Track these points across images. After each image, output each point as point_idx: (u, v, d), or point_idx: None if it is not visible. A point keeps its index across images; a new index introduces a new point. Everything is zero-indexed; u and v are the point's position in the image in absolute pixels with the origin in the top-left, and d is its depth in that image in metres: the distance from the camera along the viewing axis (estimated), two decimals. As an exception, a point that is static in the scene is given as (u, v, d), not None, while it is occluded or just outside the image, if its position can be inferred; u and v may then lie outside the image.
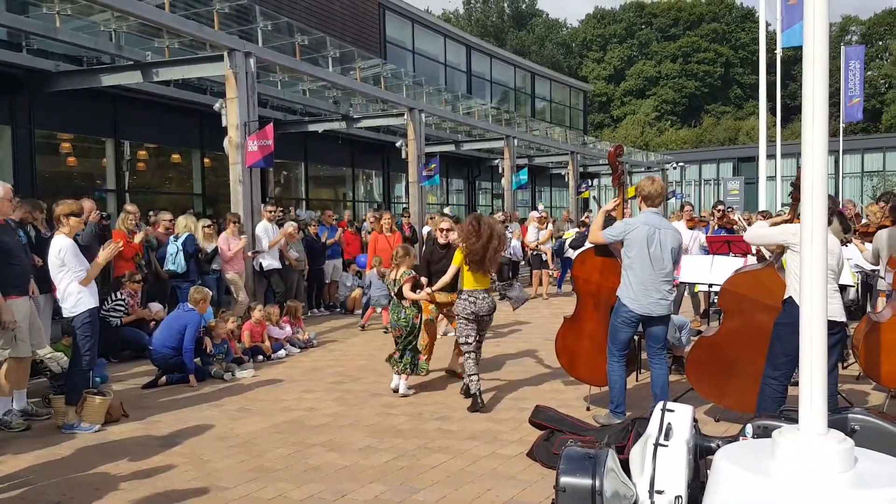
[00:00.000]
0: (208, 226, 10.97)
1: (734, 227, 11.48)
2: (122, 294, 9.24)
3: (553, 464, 4.41)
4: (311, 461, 5.33)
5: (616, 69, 66.59)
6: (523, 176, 22.06)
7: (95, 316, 6.38)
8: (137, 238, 9.89)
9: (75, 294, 6.19)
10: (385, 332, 8.76)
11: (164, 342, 7.99)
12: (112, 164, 14.75)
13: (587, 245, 6.80)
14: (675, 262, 5.96)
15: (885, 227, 6.81)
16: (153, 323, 9.39)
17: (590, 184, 33.10)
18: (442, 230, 8.17)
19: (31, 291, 6.53)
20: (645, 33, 67.15)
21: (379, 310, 11.31)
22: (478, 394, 6.65)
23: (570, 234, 14.82)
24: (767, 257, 6.23)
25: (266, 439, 5.90)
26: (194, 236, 10.31)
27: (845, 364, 7.64)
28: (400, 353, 7.30)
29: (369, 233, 14.55)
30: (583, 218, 19.82)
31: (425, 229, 15.73)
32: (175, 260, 10.11)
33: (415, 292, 7.24)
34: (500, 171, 22.80)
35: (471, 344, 6.83)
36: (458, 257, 6.91)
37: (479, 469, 5.10)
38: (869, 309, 8.40)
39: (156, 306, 9.85)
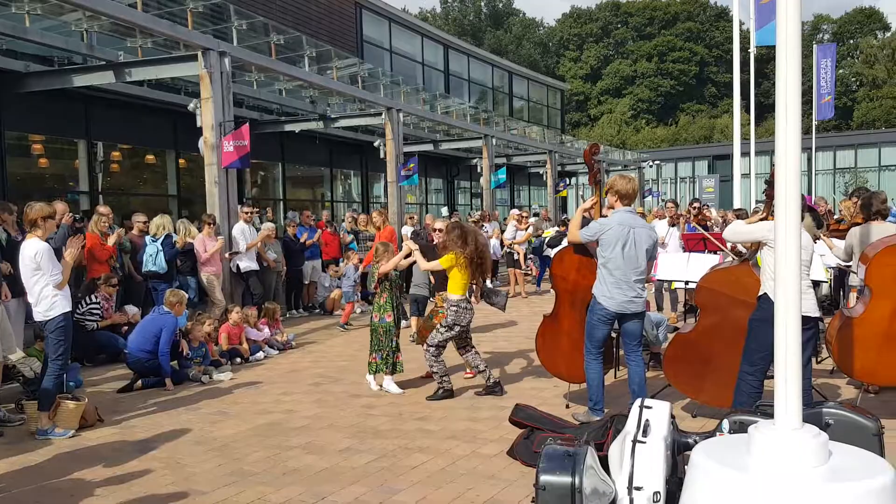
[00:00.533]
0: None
1: (708, 222, 11.60)
2: (97, 297, 9.14)
3: (533, 462, 4.42)
4: (291, 464, 5.30)
5: (593, 68, 67.02)
6: (502, 175, 22.12)
7: (69, 320, 6.28)
8: (111, 241, 9.77)
9: (49, 298, 6.09)
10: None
11: (139, 346, 7.90)
12: (85, 165, 14.55)
13: (564, 243, 6.86)
14: (651, 260, 6.00)
15: (858, 223, 6.91)
16: (126, 327, 9.28)
17: (567, 182, 33.24)
18: (436, 230, 8.30)
19: (2, 296, 6.43)
20: (621, 32, 67.63)
21: (359, 310, 11.30)
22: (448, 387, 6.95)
23: (550, 232, 14.87)
24: (743, 252, 6.29)
25: (244, 442, 5.85)
26: (171, 236, 10.23)
27: (819, 359, 7.73)
28: (385, 355, 7.36)
29: (348, 233, 14.56)
30: (563, 217, 19.91)
31: (405, 229, 15.73)
32: (156, 260, 10.02)
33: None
34: (479, 170, 22.83)
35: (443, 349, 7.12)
36: (447, 260, 7.01)
37: (459, 468, 5.10)
38: (842, 304, 8.50)
39: (132, 309, 9.76)
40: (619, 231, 5.77)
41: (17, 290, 6.40)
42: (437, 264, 7.15)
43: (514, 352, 9.25)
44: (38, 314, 6.15)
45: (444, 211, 21.45)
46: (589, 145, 6.80)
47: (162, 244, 10.05)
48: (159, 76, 13.01)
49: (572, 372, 6.52)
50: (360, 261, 11.93)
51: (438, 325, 7.15)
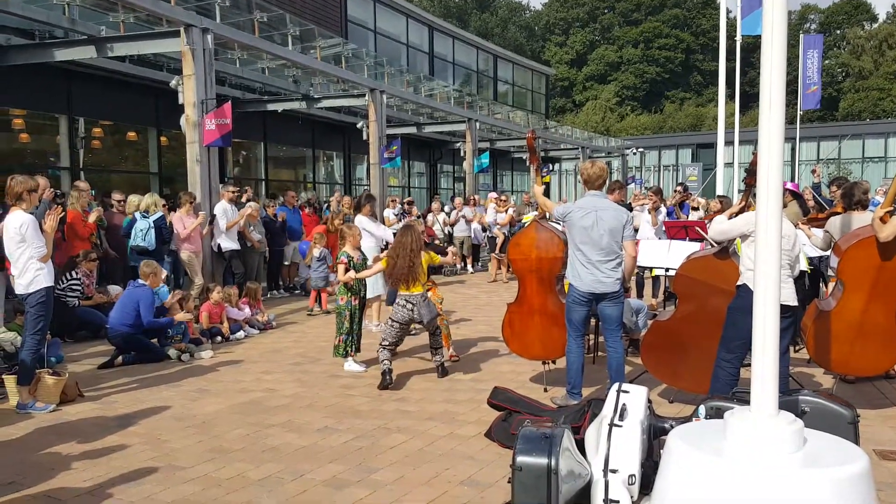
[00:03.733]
0: (163, 205, 10.84)
1: (689, 202, 11.83)
2: (77, 274, 9.09)
3: (510, 444, 4.46)
4: (270, 441, 5.32)
5: (578, 53, 66.92)
6: (485, 159, 22.10)
7: (50, 295, 6.28)
8: (92, 217, 9.73)
9: (33, 271, 6.11)
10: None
11: (120, 320, 7.92)
12: (66, 141, 14.38)
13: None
14: (624, 240, 6.00)
15: (838, 213, 6.96)
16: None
17: (551, 168, 33.27)
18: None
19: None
20: (607, 17, 67.52)
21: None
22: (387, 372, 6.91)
23: (529, 217, 14.88)
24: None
25: (224, 420, 5.87)
26: (164, 216, 10.21)
27: (797, 348, 7.83)
28: (346, 336, 7.46)
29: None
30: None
31: (387, 212, 15.71)
32: (146, 236, 9.98)
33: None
34: (462, 154, 22.81)
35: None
36: (383, 263, 7.25)
37: (437, 449, 5.14)
38: (821, 293, 8.59)
39: (114, 289, 9.72)
40: (581, 214, 5.90)
41: (-2, 265, 6.38)
42: (378, 267, 7.47)
43: (492, 336, 9.29)
44: (20, 286, 6.15)
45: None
46: (530, 131, 6.91)
47: (155, 222, 10.03)
48: (141, 52, 12.90)
49: (549, 349, 6.57)
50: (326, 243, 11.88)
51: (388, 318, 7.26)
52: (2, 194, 7.67)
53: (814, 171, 12.78)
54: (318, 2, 23.19)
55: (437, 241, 16.18)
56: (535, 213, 15.01)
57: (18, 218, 6.10)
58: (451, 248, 9.84)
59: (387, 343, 7.04)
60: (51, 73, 13.46)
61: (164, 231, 10.15)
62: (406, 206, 16.17)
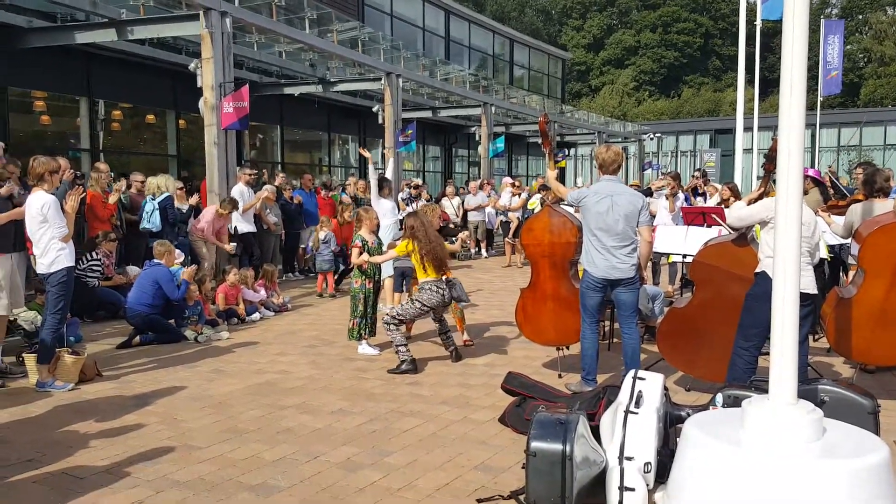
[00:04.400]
0: (181, 188, 10.88)
1: (705, 190, 11.81)
2: (97, 254, 9.16)
3: (524, 429, 4.46)
4: (284, 423, 5.35)
5: (595, 38, 66.25)
6: (500, 144, 22.00)
7: (71, 275, 6.36)
8: (112, 199, 9.82)
9: (55, 251, 6.17)
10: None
11: (138, 300, 8.01)
12: (86, 123, 14.46)
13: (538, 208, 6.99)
14: (640, 225, 5.96)
15: (859, 200, 6.88)
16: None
17: (566, 153, 33.09)
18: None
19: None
20: (625, 1, 66.77)
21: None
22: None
23: (535, 202, 14.82)
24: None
25: (240, 401, 5.91)
26: (173, 197, 10.24)
27: (816, 337, 7.76)
28: (360, 320, 7.50)
29: (351, 199, 14.48)
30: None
31: (401, 195, 15.68)
32: (150, 218, 10.06)
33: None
34: (477, 138, 22.70)
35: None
36: (401, 248, 7.24)
37: (450, 433, 5.15)
38: (841, 281, 8.49)
39: (133, 270, 9.79)
40: (596, 199, 5.85)
41: (20, 245, 6.45)
42: (392, 253, 7.51)
43: (506, 321, 9.27)
44: (42, 266, 6.22)
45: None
46: (542, 115, 6.86)
47: (160, 203, 10.07)
48: (161, 35, 12.92)
49: (563, 334, 6.56)
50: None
51: (410, 297, 7.24)
52: (24, 174, 7.73)
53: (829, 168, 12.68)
54: (335, -15, 23.09)
55: (451, 225, 16.15)
56: (540, 196, 14.99)
57: (40, 198, 6.17)
58: (461, 235, 9.82)
59: (399, 319, 7.04)
60: (71, 55, 13.54)
61: (168, 212, 10.19)
62: (413, 191, 16.07)
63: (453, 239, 8.92)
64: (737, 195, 10.00)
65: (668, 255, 9.61)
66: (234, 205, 10.77)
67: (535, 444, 3.69)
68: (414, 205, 13.98)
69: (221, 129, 11.37)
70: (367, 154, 10.81)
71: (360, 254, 7.47)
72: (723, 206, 9.35)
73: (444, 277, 7.16)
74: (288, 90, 18.18)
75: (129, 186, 10.85)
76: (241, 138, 16.43)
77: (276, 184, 12.72)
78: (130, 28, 12.21)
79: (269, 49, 17.34)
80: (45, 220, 6.14)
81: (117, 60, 14.45)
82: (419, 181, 18.46)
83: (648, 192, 11.21)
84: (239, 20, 12.43)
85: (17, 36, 12.50)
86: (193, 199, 11.21)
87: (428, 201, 15.28)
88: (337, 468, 4.50)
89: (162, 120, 16.58)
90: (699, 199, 13.00)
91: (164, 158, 16.53)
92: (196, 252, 10.84)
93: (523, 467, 3.76)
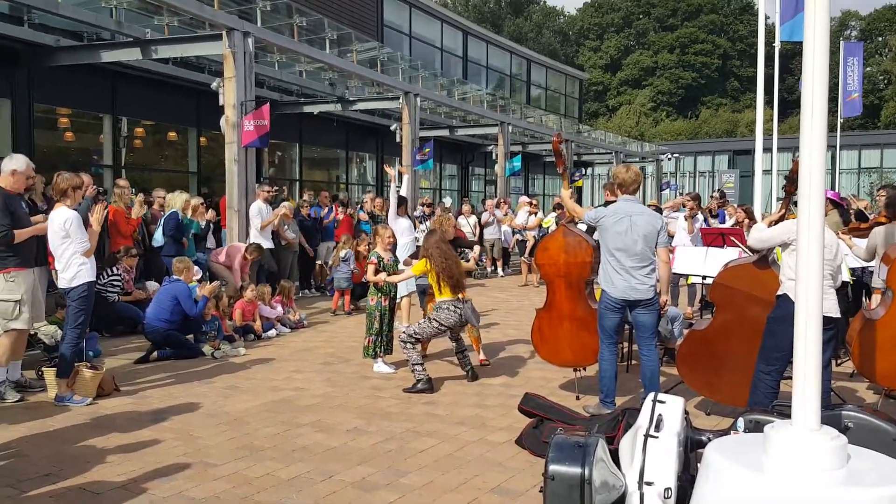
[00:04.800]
0: (201, 203, 10.95)
1: (725, 209, 11.83)
2: (118, 269, 9.23)
3: (542, 452, 4.42)
4: (300, 441, 5.34)
5: (613, 58, 66.42)
6: (517, 163, 22.04)
7: (92, 290, 6.41)
8: (135, 213, 9.92)
9: (76, 266, 6.22)
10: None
11: (157, 315, 8.04)
12: (109, 140, 14.72)
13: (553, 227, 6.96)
14: (658, 246, 5.92)
15: (882, 223, 6.81)
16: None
17: (583, 172, 33.04)
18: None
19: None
20: (643, 23, 66.95)
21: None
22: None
23: (549, 220, 14.80)
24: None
25: (255, 418, 5.90)
26: (177, 213, 10.28)
27: (839, 361, 7.65)
28: (376, 337, 7.49)
29: (368, 216, 14.53)
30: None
31: (416, 213, 15.69)
32: (155, 235, 10.22)
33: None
34: (494, 157, 22.77)
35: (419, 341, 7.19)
36: (418, 268, 7.25)
37: (466, 454, 5.11)
38: (864, 305, 8.40)
39: (152, 285, 9.85)
40: (614, 219, 5.82)
41: (41, 259, 6.51)
42: (409, 273, 7.51)
43: (522, 339, 9.24)
44: (63, 281, 6.26)
45: (448, 201, 21.23)
46: (555, 134, 6.85)
47: (165, 219, 10.19)
48: (184, 54, 13.13)
49: (579, 355, 6.50)
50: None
51: (428, 316, 7.24)
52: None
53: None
54: (355, 6, 23.34)
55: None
56: (554, 215, 14.94)
57: (63, 214, 6.22)
58: (472, 254, 9.75)
59: (416, 338, 7.01)
60: (97, 73, 13.80)
61: (167, 226, 10.19)
62: (425, 210, 16.05)
63: (467, 253, 8.88)
64: (751, 217, 9.94)
65: (687, 276, 9.54)
66: (259, 251, 10.82)
67: (553, 468, 3.63)
68: (427, 223, 13.97)
69: (242, 147, 11.47)
70: (402, 170, 10.85)
71: (377, 271, 7.47)
72: (738, 227, 9.30)
73: (460, 297, 7.15)
74: (307, 108, 18.37)
75: (150, 204, 10.95)
76: (260, 156, 16.57)
77: (304, 199, 12.82)
78: (155, 47, 12.44)
79: (289, 68, 17.52)
80: (67, 236, 6.19)
81: (141, 79, 14.68)
82: (430, 199, 18.50)
83: (659, 211, 11.18)
84: (261, 40, 12.60)
85: (45, 54, 12.75)
86: (210, 215, 11.27)
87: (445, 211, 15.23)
88: (352, 488, 4.48)
89: (184, 137, 16.78)
90: (714, 220, 12.98)
91: (184, 175, 16.70)
92: (216, 275, 10.88)
93: (541, 491, 3.72)
